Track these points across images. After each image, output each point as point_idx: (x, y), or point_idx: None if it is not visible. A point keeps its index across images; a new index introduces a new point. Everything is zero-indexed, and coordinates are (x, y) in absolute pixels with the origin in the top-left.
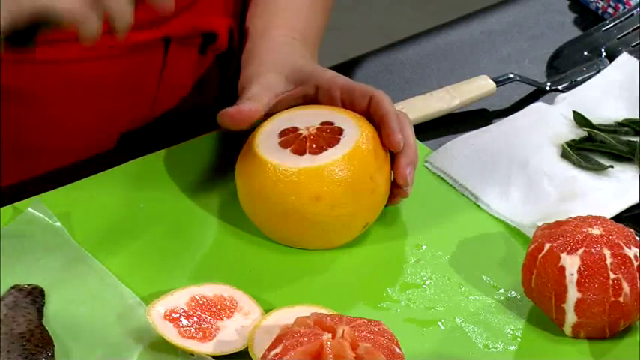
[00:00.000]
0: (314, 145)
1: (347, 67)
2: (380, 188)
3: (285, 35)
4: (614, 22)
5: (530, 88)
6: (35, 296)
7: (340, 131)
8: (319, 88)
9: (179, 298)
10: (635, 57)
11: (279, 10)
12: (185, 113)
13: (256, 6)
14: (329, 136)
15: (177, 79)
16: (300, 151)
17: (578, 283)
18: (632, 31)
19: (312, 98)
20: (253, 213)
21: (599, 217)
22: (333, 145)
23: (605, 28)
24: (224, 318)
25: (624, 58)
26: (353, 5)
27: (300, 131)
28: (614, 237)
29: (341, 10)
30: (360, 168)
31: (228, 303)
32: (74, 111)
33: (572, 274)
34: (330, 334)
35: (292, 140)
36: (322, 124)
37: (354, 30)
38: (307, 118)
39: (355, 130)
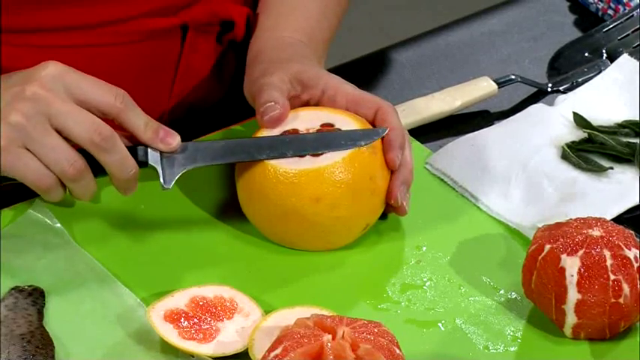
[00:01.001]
0: None
1: (347, 68)
2: (380, 189)
3: (291, 37)
4: (615, 23)
5: (532, 90)
6: (35, 297)
7: None
8: (325, 93)
9: (179, 300)
10: (635, 58)
11: (288, 10)
12: (210, 105)
13: (265, 3)
14: None
15: (194, 67)
16: (301, 153)
17: (579, 285)
18: (633, 32)
19: (315, 103)
20: (253, 214)
21: (600, 218)
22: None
23: (606, 29)
24: (224, 319)
25: (624, 59)
26: (353, 6)
27: (301, 132)
28: (615, 238)
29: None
30: (360, 169)
31: (228, 304)
32: None
33: (572, 276)
34: (330, 336)
35: None
36: (322, 125)
37: (353, 31)
38: (307, 120)
39: None
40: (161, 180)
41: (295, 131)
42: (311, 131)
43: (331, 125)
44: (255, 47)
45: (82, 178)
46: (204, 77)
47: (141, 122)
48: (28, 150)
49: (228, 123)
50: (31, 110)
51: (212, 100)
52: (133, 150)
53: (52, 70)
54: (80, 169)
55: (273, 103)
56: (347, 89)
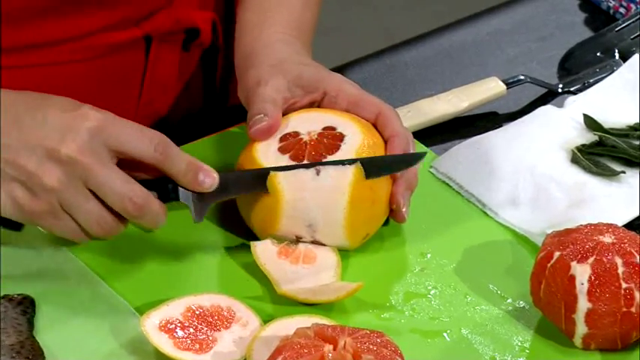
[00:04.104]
0: (313, 152)
1: (349, 68)
2: (381, 198)
3: (281, 32)
4: (628, 22)
5: (541, 91)
6: (25, 307)
7: (341, 137)
8: (327, 94)
9: (175, 309)
10: None
11: (272, 5)
12: (180, 116)
13: None
14: (330, 142)
15: (161, 78)
16: (298, 157)
17: (589, 293)
18: None
19: (318, 106)
20: (253, 221)
21: (611, 224)
22: (333, 153)
23: (618, 28)
24: (221, 329)
25: (636, 60)
26: (356, 6)
27: (302, 136)
28: (626, 245)
29: (344, 11)
30: (361, 180)
31: (225, 313)
32: None
33: (582, 284)
34: (331, 346)
35: (292, 146)
36: (324, 129)
37: (356, 31)
38: (310, 123)
39: (357, 137)
40: (193, 214)
41: (296, 134)
42: (312, 135)
43: (333, 129)
44: (244, 47)
45: (112, 234)
46: (172, 87)
47: (181, 167)
48: (63, 210)
49: (204, 132)
50: (66, 177)
51: (181, 109)
52: (162, 186)
53: (91, 124)
54: (109, 230)
55: (262, 116)
56: (348, 90)
